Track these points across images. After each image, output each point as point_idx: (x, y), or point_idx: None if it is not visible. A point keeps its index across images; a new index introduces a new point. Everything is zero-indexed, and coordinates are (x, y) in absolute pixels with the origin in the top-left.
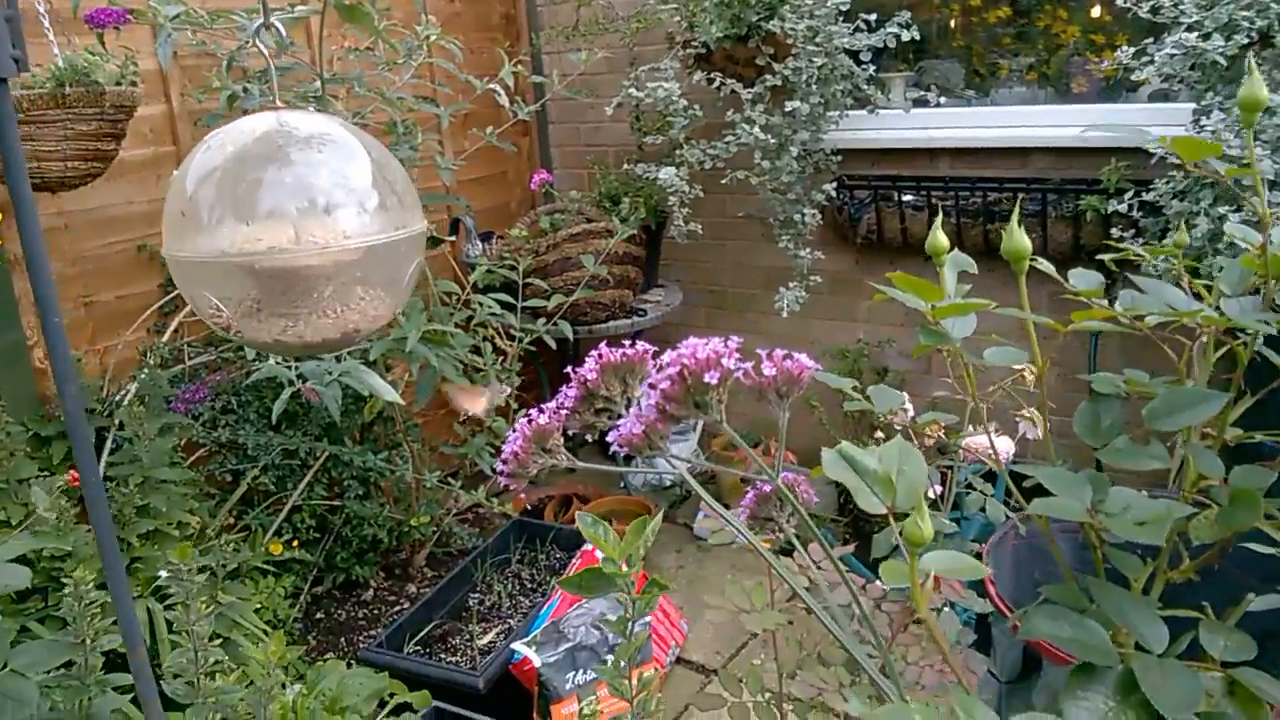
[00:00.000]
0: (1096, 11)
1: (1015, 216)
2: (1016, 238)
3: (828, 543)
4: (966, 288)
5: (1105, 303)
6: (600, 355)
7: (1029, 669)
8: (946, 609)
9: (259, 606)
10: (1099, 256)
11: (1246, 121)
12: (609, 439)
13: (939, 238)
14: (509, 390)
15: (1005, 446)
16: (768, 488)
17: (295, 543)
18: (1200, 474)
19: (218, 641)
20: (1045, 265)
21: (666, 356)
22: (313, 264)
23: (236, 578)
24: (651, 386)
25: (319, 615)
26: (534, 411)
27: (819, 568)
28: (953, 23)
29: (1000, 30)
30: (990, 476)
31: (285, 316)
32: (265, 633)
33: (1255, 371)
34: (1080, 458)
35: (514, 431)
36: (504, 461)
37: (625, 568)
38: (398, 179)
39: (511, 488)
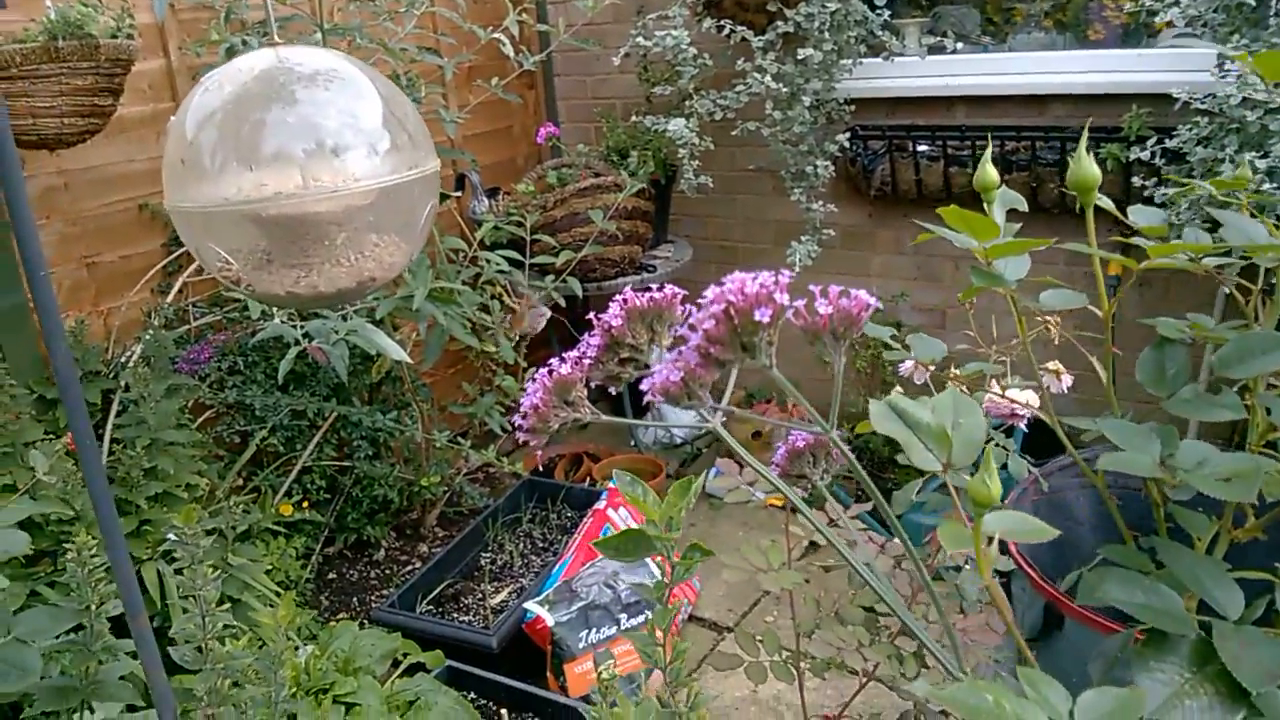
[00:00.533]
0: None
1: (1083, 144)
2: (1085, 165)
3: (842, 501)
4: (1016, 226)
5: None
6: (625, 300)
7: (1050, 626)
8: (967, 566)
9: (270, 568)
10: (1159, 194)
11: None
12: (643, 387)
13: (988, 172)
14: (546, 316)
15: (1029, 400)
16: (800, 443)
17: (305, 504)
18: (1270, 425)
19: (227, 606)
20: (1106, 202)
21: (710, 292)
22: (322, 210)
23: (247, 539)
24: (692, 328)
25: (331, 576)
26: (554, 361)
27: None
28: None
29: None
30: (1009, 431)
31: (297, 267)
32: (277, 594)
33: None
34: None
35: (533, 383)
36: (523, 415)
37: (667, 531)
38: (408, 116)
39: (531, 443)
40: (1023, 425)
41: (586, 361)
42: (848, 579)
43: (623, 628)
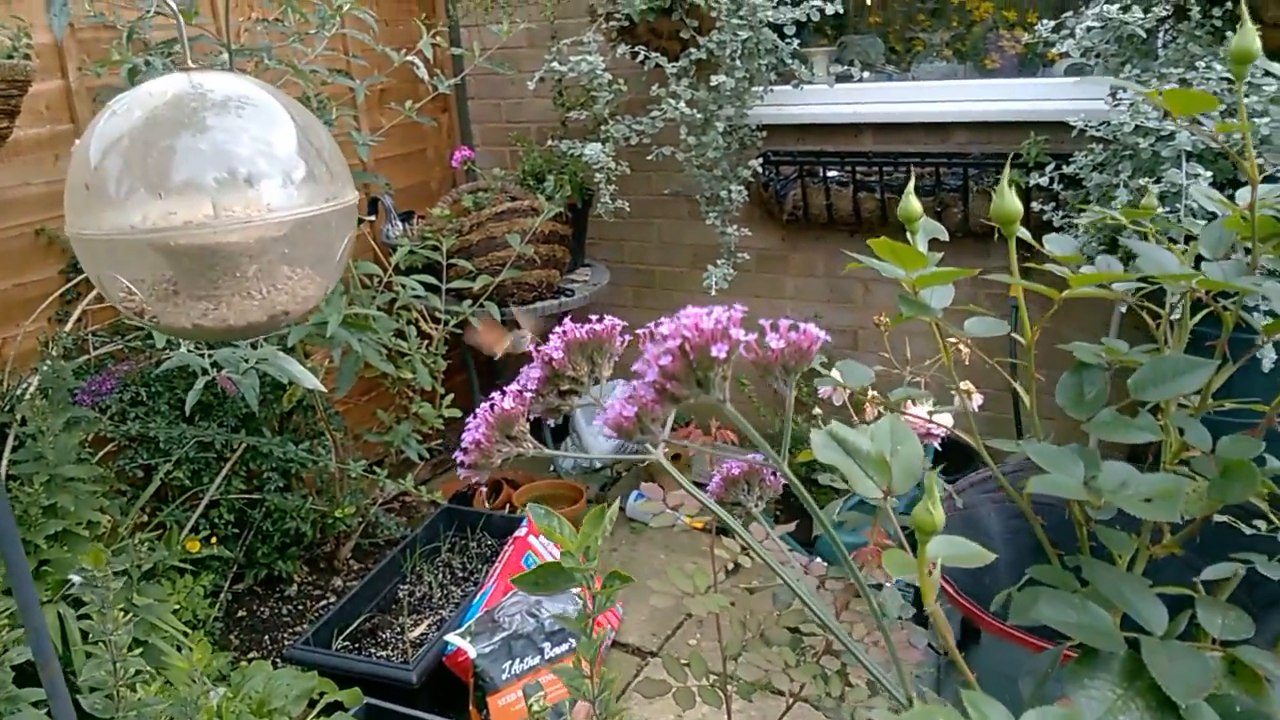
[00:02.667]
0: None
1: (1005, 177)
2: (1008, 199)
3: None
4: (939, 255)
5: (1067, 270)
6: (565, 332)
7: (967, 640)
8: (888, 585)
9: (177, 607)
10: (1057, 218)
11: (1238, 75)
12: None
13: (911, 204)
14: (530, 338)
15: (944, 420)
16: (735, 470)
17: (214, 539)
18: (1183, 444)
19: (138, 651)
20: (1024, 234)
21: (665, 327)
22: (234, 241)
23: (153, 578)
24: (646, 363)
25: (241, 613)
26: (496, 395)
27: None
28: (867, 1)
29: (917, 6)
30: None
31: (205, 299)
32: (185, 634)
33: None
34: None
35: (475, 418)
36: (465, 451)
37: (584, 561)
38: (325, 146)
39: (474, 480)
40: (936, 444)
41: (528, 395)
42: (772, 599)
43: (547, 657)
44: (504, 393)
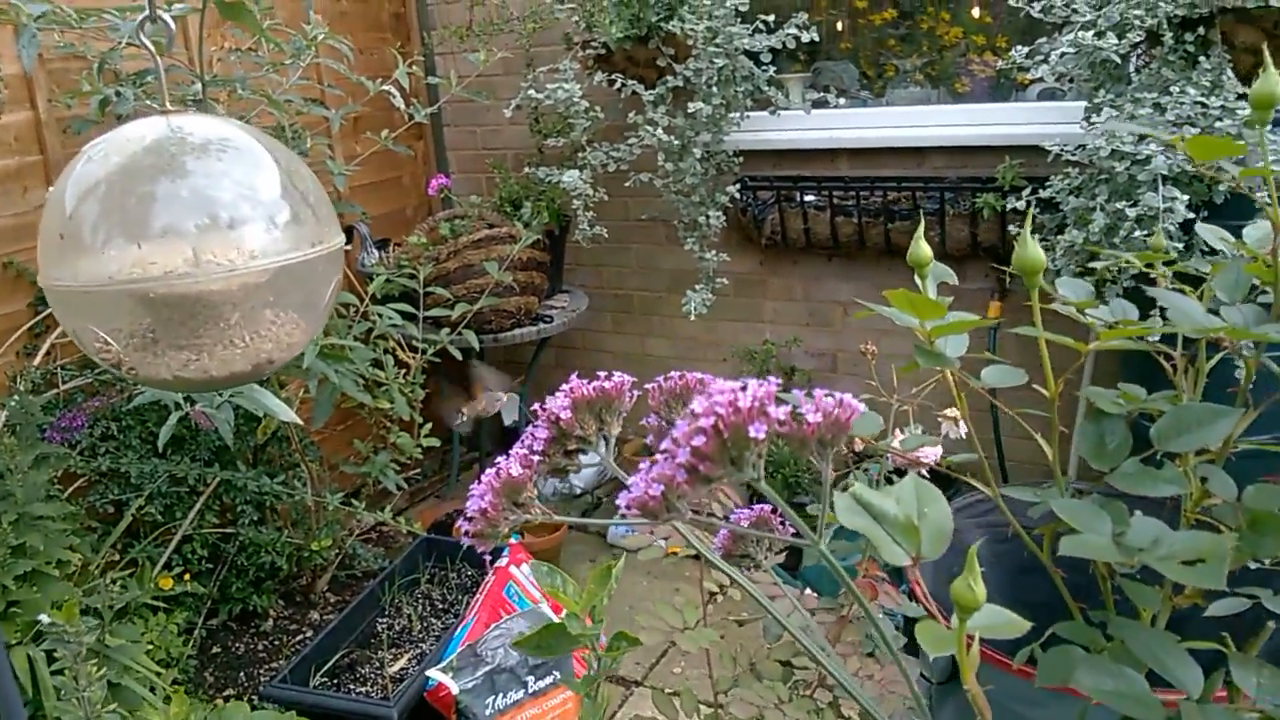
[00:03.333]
0: (977, 12)
1: (1028, 226)
2: (1031, 249)
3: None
4: (949, 300)
5: (1085, 315)
6: (573, 389)
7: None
8: (880, 616)
9: (150, 645)
10: (1094, 266)
11: (1260, 120)
12: (620, 502)
13: (922, 249)
14: (502, 398)
15: (933, 451)
16: (744, 522)
17: (187, 575)
18: (1204, 493)
19: (113, 707)
20: (1048, 286)
21: (698, 405)
22: (216, 289)
23: (125, 617)
24: (676, 442)
25: (215, 649)
26: (501, 460)
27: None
28: (840, 25)
29: (888, 32)
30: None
31: (186, 349)
32: (158, 674)
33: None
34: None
35: (480, 484)
36: (469, 519)
37: (590, 623)
38: (310, 188)
39: (479, 549)
40: (924, 472)
41: (536, 459)
42: (762, 631)
43: (530, 690)
44: (509, 455)
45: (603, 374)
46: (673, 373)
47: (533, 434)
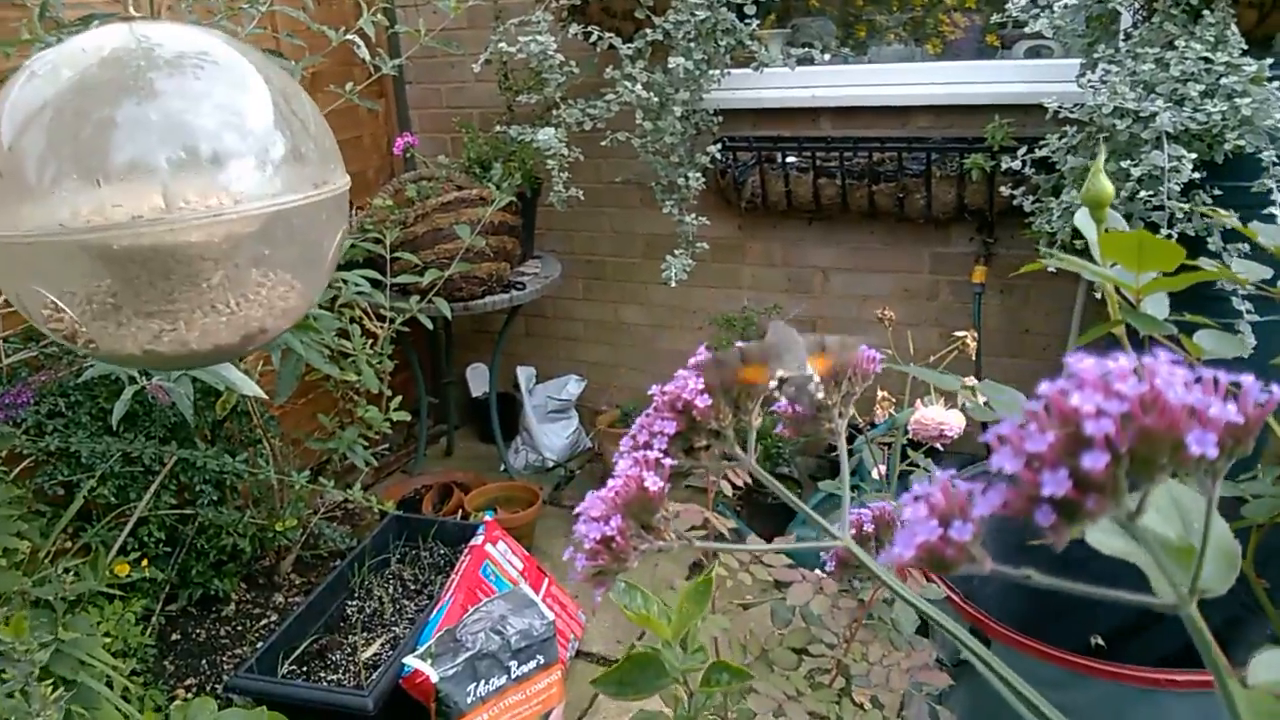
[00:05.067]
0: None
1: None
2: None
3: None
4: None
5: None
6: (702, 365)
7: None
8: (898, 602)
9: (107, 634)
10: (1027, 203)
11: (1097, 219)
12: (885, 557)
13: (1102, 183)
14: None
15: (956, 421)
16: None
17: (144, 561)
18: None
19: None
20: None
21: (1005, 429)
22: (195, 240)
23: (79, 606)
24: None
25: (175, 636)
26: (622, 464)
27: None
28: None
29: None
30: (930, 452)
31: (157, 316)
32: (115, 668)
33: None
34: None
35: (596, 501)
36: (590, 555)
37: (683, 654)
38: (310, 116)
39: (595, 590)
40: (940, 445)
41: (668, 463)
42: (770, 616)
43: (514, 676)
44: (627, 458)
45: (741, 345)
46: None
47: (648, 429)
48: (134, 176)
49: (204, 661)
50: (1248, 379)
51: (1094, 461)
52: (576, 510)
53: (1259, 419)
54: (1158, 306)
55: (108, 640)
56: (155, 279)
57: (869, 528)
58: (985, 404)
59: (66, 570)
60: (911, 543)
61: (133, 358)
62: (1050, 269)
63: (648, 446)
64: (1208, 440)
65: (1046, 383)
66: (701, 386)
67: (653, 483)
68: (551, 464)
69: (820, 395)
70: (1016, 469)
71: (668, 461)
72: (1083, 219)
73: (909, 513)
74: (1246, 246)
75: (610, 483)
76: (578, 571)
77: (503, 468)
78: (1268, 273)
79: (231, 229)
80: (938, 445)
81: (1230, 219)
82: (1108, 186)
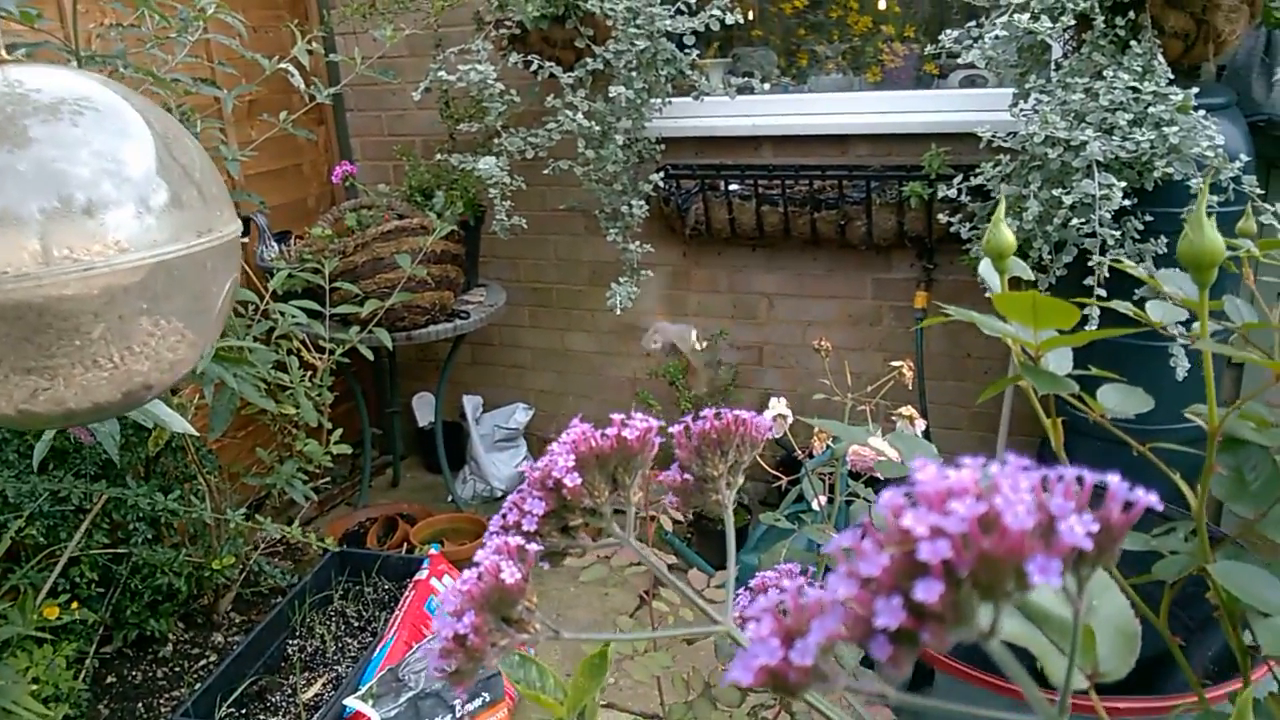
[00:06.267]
0: (884, 3)
1: (1202, 205)
2: (1209, 234)
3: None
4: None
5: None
6: (577, 442)
7: (920, 681)
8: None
9: (35, 680)
10: (964, 230)
11: (1000, 270)
12: (727, 678)
13: (1003, 234)
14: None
15: (893, 453)
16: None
17: (74, 603)
18: None
19: None
20: (1135, 268)
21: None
22: (71, 293)
23: (5, 651)
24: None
25: (110, 679)
26: (481, 553)
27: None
28: (750, 14)
29: (798, 20)
30: (869, 482)
31: (33, 373)
32: (44, 717)
33: None
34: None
35: (452, 594)
36: (442, 654)
37: None
38: (195, 162)
39: (454, 688)
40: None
41: (532, 547)
42: (715, 650)
43: (458, 715)
44: (490, 545)
45: (618, 418)
46: (705, 410)
47: (519, 507)
48: (2, 229)
49: (140, 705)
50: (1113, 479)
51: (928, 592)
52: (437, 611)
53: (1124, 526)
54: (1060, 361)
55: (35, 686)
56: (29, 335)
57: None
58: (895, 456)
59: None
60: (751, 665)
61: (6, 418)
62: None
63: (517, 528)
64: (1051, 568)
65: (889, 490)
66: (572, 464)
67: (510, 574)
68: (500, 493)
69: (693, 342)
70: (850, 593)
71: (533, 547)
72: (986, 270)
73: (750, 631)
74: (1176, 270)
75: (466, 573)
76: (429, 673)
77: (450, 498)
78: (1183, 314)
79: (109, 281)
80: (877, 475)
81: (1138, 270)
82: (1009, 238)
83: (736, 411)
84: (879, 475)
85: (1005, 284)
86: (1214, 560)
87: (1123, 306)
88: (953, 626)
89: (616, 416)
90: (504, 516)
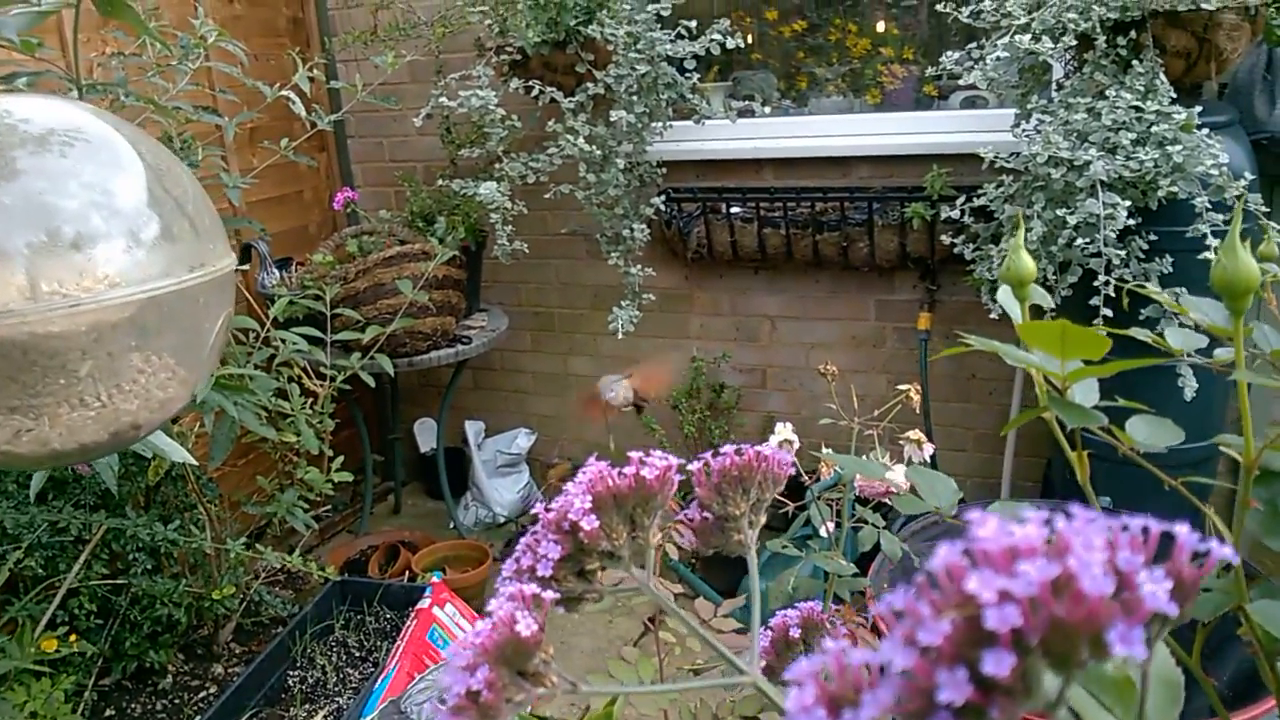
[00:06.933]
0: (882, 26)
1: (1235, 230)
2: (1244, 259)
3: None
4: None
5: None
6: (593, 482)
7: None
8: None
9: (33, 714)
10: (968, 251)
11: (1020, 297)
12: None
13: (1023, 261)
14: (623, 383)
15: (900, 479)
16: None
17: (73, 636)
18: None
19: None
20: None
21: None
22: (55, 330)
23: (3, 684)
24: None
25: (109, 712)
26: (495, 602)
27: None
28: (749, 38)
29: (797, 43)
30: (877, 507)
31: (17, 412)
32: None
33: None
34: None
35: (460, 650)
36: (457, 711)
37: None
38: (188, 193)
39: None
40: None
41: (548, 596)
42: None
43: None
44: (504, 595)
45: (635, 456)
46: (725, 447)
47: (533, 550)
48: None
49: None
50: (1181, 530)
51: (998, 665)
52: (446, 654)
53: (1195, 582)
54: (1086, 394)
55: (34, 718)
56: (15, 372)
57: (795, 633)
58: (911, 490)
59: None
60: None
61: None
62: (992, 318)
63: (531, 571)
64: (1133, 638)
65: (945, 545)
66: (589, 505)
67: (526, 626)
68: (503, 519)
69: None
70: (908, 664)
71: (549, 595)
72: (1005, 298)
73: (792, 700)
74: (1185, 290)
75: (479, 624)
76: None
77: (452, 524)
78: (1203, 341)
79: (98, 317)
80: (885, 500)
81: (1161, 296)
82: (1029, 264)
83: (757, 447)
84: (888, 501)
85: (1026, 312)
86: (1250, 599)
87: (1142, 334)
88: (1022, 700)
89: (634, 454)
90: (517, 561)
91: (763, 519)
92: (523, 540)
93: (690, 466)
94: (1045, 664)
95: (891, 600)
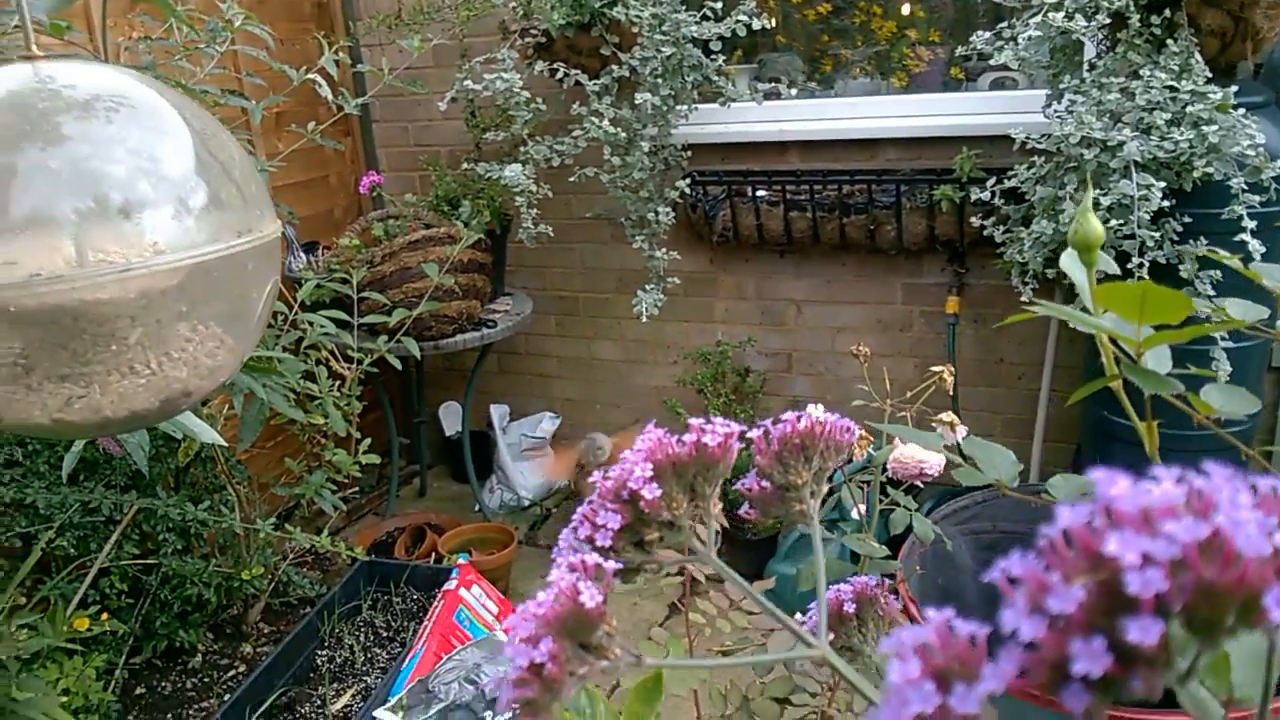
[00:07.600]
0: (908, 9)
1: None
2: (1091, 222)
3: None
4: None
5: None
6: (652, 450)
7: None
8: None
9: (66, 691)
10: (998, 233)
11: (1088, 263)
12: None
13: (1091, 224)
14: (608, 443)
15: (936, 460)
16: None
17: (104, 615)
18: None
19: None
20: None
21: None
22: (107, 297)
23: (36, 662)
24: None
25: (139, 690)
26: (556, 573)
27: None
28: (774, 21)
29: (822, 26)
30: (909, 489)
31: (70, 380)
32: None
33: None
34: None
35: (521, 620)
36: (519, 684)
37: None
38: (235, 160)
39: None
40: (920, 482)
41: (610, 566)
42: (752, 664)
43: None
44: (560, 564)
45: (696, 423)
46: (785, 414)
47: (591, 520)
48: (36, 229)
49: (169, 716)
50: None
51: (1144, 633)
52: (505, 625)
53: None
54: (1160, 360)
55: (66, 698)
56: (65, 340)
57: (849, 608)
58: (970, 461)
59: (22, 626)
60: (902, 714)
61: (39, 427)
62: (1024, 301)
63: (590, 541)
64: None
65: (1066, 508)
66: (650, 473)
67: (590, 596)
68: (527, 503)
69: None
70: (1034, 634)
71: (610, 565)
72: (1070, 263)
73: (895, 673)
74: (1218, 274)
75: (540, 595)
76: (501, 704)
77: (477, 507)
78: (1265, 312)
79: (146, 284)
80: (918, 483)
81: (1233, 261)
82: (1098, 228)
83: (819, 415)
84: (919, 484)
85: (1093, 278)
86: None
87: (1205, 305)
88: (1164, 670)
89: (695, 421)
90: (574, 530)
91: (825, 488)
92: (579, 510)
93: (750, 434)
94: (1187, 633)
95: (1005, 564)
